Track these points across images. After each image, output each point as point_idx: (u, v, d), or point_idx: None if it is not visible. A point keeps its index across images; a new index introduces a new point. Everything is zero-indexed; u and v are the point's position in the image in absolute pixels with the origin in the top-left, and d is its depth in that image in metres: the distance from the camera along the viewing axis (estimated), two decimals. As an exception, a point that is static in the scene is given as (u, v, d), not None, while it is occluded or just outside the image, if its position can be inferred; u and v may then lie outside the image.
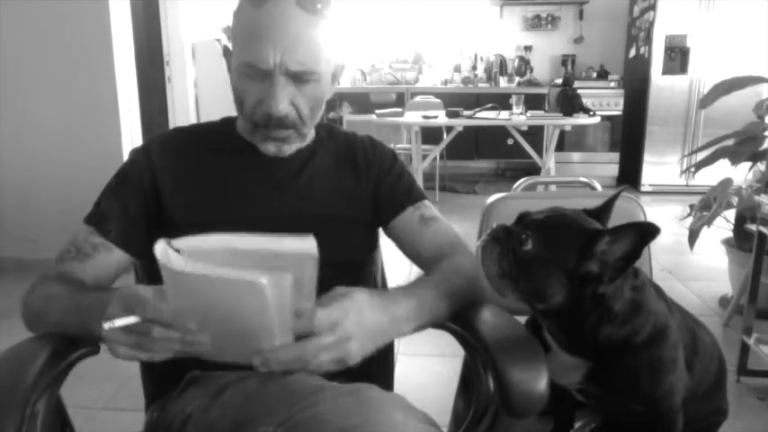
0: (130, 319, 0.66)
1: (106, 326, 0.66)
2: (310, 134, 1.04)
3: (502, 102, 4.31)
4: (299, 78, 0.88)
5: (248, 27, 0.88)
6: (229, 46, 0.96)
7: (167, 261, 0.65)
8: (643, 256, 1.22)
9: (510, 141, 4.67)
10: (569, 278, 0.76)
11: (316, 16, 0.87)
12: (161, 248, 0.65)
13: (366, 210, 1.02)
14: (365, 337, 0.72)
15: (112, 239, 0.91)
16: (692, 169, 2.93)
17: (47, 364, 0.74)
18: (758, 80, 2.54)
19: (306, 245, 0.70)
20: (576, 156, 5.32)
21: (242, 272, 0.63)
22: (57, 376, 0.75)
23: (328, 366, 0.70)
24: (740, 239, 2.53)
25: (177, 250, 0.68)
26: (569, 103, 3.85)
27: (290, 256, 0.70)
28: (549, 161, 4.10)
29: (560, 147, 4.95)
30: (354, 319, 0.70)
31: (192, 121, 4.27)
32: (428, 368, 2.07)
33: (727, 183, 2.43)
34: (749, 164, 2.59)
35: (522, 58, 5.74)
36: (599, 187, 1.46)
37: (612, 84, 5.39)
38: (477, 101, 5.04)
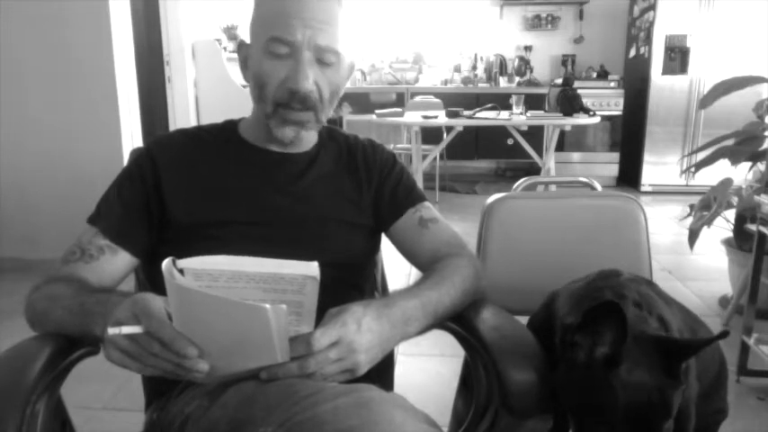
0: (136, 329, 0.66)
1: (111, 330, 0.66)
2: (314, 136, 1.04)
3: (502, 102, 4.31)
4: (323, 59, 0.90)
5: (277, 6, 0.90)
6: (246, 40, 0.96)
7: (172, 277, 0.65)
8: (643, 255, 1.22)
9: (510, 141, 4.67)
10: None
11: (339, 2, 0.91)
12: (166, 266, 0.66)
13: (367, 214, 1.02)
14: (369, 346, 0.73)
15: (116, 240, 0.91)
16: (692, 169, 2.93)
17: (47, 364, 0.74)
18: (758, 80, 2.54)
19: (308, 269, 0.71)
20: (575, 156, 5.32)
21: (243, 301, 0.64)
22: (57, 376, 0.75)
23: (336, 378, 0.71)
24: (740, 239, 2.52)
25: (181, 270, 0.68)
26: (569, 103, 3.85)
27: (292, 278, 0.71)
28: (549, 161, 4.10)
29: (560, 147, 4.95)
30: (354, 330, 0.71)
31: (192, 120, 4.27)
32: (428, 368, 2.07)
33: (727, 183, 2.42)
34: (749, 164, 2.59)
35: (522, 58, 5.74)
36: (599, 187, 1.46)
37: (612, 84, 5.39)
38: (477, 101, 5.04)
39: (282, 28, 0.87)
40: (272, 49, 0.89)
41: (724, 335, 0.71)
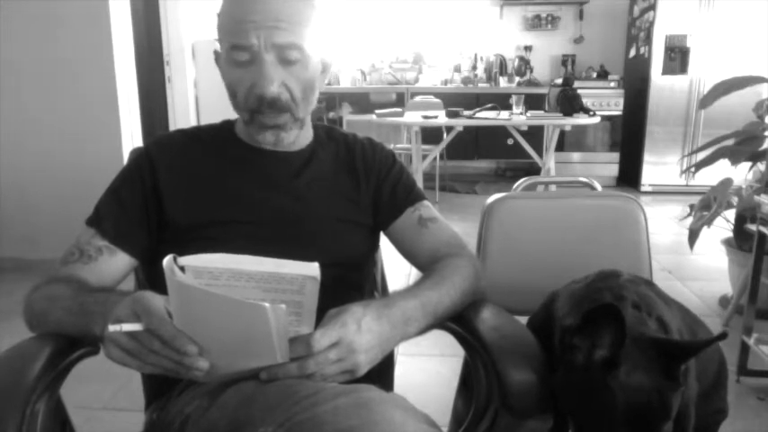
0: (136, 326, 0.66)
1: (112, 328, 0.66)
2: (309, 134, 1.04)
3: (502, 102, 4.31)
4: (286, 57, 0.88)
5: (231, 12, 0.89)
6: (218, 49, 0.96)
7: (173, 274, 0.65)
8: (643, 255, 1.22)
9: (510, 141, 4.67)
10: None
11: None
12: (167, 263, 0.66)
13: (366, 213, 1.02)
14: (369, 346, 0.73)
15: (114, 241, 0.91)
16: (692, 169, 2.93)
17: (47, 364, 0.74)
18: (758, 80, 2.54)
19: (309, 269, 0.71)
20: (575, 156, 5.32)
21: (244, 299, 0.64)
22: (57, 376, 0.75)
23: (336, 379, 0.71)
24: (740, 239, 2.52)
25: (182, 268, 0.68)
26: (569, 103, 3.85)
27: (293, 278, 0.71)
28: (549, 161, 4.10)
29: (560, 147, 4.95)
30: (354, 330, 0.71)
31: (192, 120, 4.27)
32: (428, 368, 2.07)
33: (727, 183, 2.42)
34: (749, 164, 2.59)
35: (522, 58, 5.74)
36: (599, 187, 1.46)
37: (612, 84, 5.39)
38: (477, 101, 5.04)
39: (238, 34, 0.87)
40: (234, 57, 0.89)
41: (723, 336, 0.71)
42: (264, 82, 0.88)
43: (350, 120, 5.13)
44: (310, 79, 0.93)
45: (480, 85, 5.65)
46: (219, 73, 0.96)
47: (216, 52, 0.97)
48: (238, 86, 0.91)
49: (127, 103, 3.09)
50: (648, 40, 4.91)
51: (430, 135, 4.51)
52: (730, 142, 2.58)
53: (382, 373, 1.00)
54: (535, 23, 5.74)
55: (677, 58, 4.81)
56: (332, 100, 5.42)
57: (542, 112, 4.29)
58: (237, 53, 0.88)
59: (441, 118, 3.87)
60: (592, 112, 3.86)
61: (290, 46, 0.87)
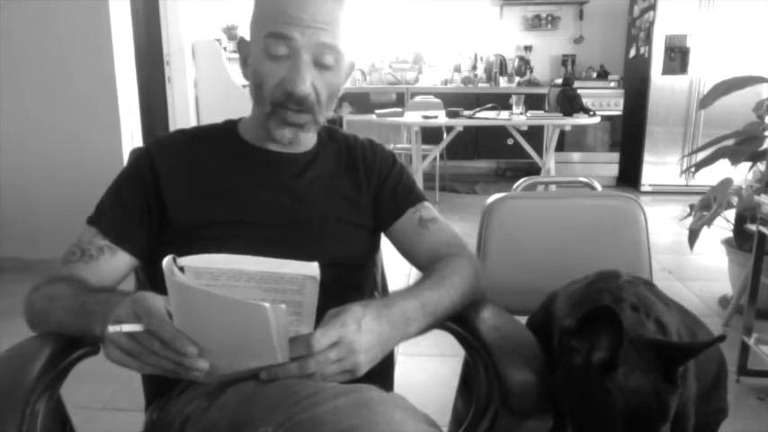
0: (136, 327, 0.66)
1: (111, 328, 0.66)
2: (314, 136, 1.04)
3: (502, 102, 4.31)
4: (322, 61, 0.89)
5: (275, 2, 0.89)
6: (246, 37, 0.96)
7: (172, 274, 0.65)
8: (643, 255, 1.22)
9: (510, 141, 4.67)
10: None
11: (340, 2, 0.90)
12: (166, 264, 0.66)
13: (366, 214, 1.02)
14: (369, 346, 0.73)
15: (115, 241, 0.91)
16: (692, 169, 2.93)
17: (47, 363, 0.74)
18: (758, 80, 2.54)
19: (308, 269, 0.71)
20: (575, 156, 5.32)
21: (243, 299, 0.65)
22: (57, 376, 0.75)
23: (336, 379, 0.71)
24: (740, 239, 2.53)
25: (181, 268, 0.68)
26: (569, 103, 3.85)
27: (292, 278, 0.71)
28: (549, 161, 4.10)
29: (560, 147, 4.95)
30: (354, 330, 0.71)
31: (192, 120, 4.27)
32: (428, 368, 2.07)
33: (727, 183, 2.42)
34: (749, 164, 2.59)
35: (522, 58, 5.74)
36: (599, 187, 1.46)
37: (612, 84, 5.39)
38: (477, 101, 5.04)
39: (281, 25, 0.87)
40: (271, 49, 0.88)
41: (721, 339, 0.71)
42: (297, 78, 0.88)
43: (350, 120, 5.13)
44: (337, 85, 0.94)
45: (480, 85, 5.65)
46: (240, 63, 0.97)
47: (242, 41, 0.97)
48: (268, 78, 0.90)
49: (127, 103, 3.09)
50: (648, 40, 4.91)
51: (430, 135, 4.51)
52: (730, 142, 2.59)
53: (382, 373, 1.00)
54: (535, 23, 5.74)
55: (677, 58, 4.81)
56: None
57: (542, 112, 4.29)
58: (275, 44, 0.88)
59: (441, 118, 3.86)
60: (592, 112, 3.86)
61: (329, 47, 0.89)
